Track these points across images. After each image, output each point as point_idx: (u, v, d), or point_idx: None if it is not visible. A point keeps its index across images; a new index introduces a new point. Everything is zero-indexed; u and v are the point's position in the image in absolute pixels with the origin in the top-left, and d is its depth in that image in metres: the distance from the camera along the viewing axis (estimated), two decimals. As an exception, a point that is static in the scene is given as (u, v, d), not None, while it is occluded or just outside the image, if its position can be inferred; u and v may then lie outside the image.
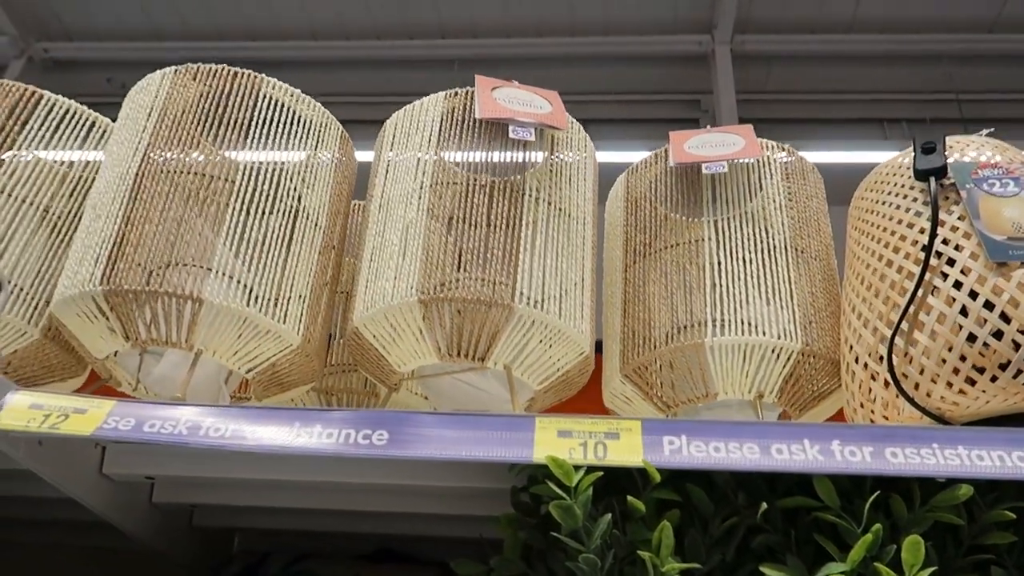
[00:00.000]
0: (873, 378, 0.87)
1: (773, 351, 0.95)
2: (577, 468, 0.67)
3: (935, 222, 0.84)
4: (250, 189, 0.96)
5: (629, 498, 0.70)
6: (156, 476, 1.00)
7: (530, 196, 0.99)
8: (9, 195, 1.03)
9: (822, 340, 0.98)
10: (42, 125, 1.09)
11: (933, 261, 0.83)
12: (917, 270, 0.84)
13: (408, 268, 0.92)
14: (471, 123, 1.02)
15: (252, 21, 3.96)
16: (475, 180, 0.99)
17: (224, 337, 0.91)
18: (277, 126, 1.02)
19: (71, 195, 1.09)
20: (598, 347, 1.04)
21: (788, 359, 0.96)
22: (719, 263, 1.01)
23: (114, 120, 1.11)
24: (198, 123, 0.99)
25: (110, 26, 4.06)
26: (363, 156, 1.16)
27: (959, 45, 3.85)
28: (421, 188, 0.98)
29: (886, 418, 0.87)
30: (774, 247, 1.02)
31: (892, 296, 0.87)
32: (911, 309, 0.83)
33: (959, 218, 0.85)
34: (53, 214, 1.06)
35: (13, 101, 1.08)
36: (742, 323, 0.96)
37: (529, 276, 0.93)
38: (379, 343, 0.96)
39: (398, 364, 0.98)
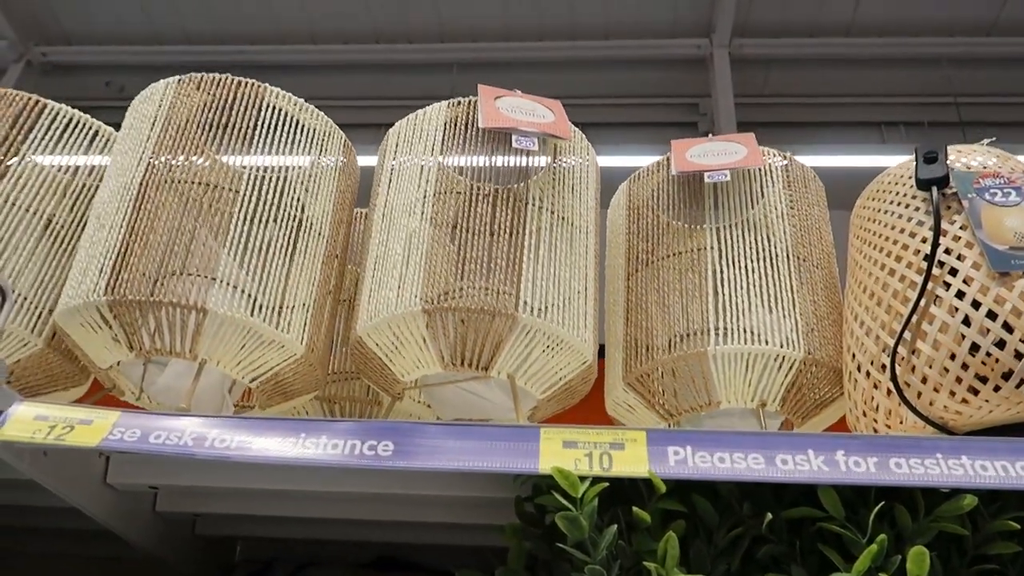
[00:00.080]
0: (876, 387, 0.87)
1: (775, 359, 0.95)
2: (582, 479, 0.67)
3: (937, 232, 0.84)
4: (254, 198, 0.96)
5: (635, 509, 0.70)
6: (160, 486, 1.00)
7: (533, 205, 1.00)
8: (13, 204, 1.03)
9: (824, 348, 0.98)
10: (46, 134, 1.09)
11: (935, 271, 0.84)
12: (919, 279, 0.84)
13: (411, 277, 0.93)
14: (474, 132, 1.03)
15: (252, 25, 3.97)
16: (478, 189, 0.99)
17: (228, 347, 0.91)
18: (281, 135, 1.03)
19: (74, 204, 1.09)
20: (600, 352, 1.05)
21: (790, 368, 0.96)
22: (721, 271, 1.01)
23: (113, 124, 1.11)
24: (202, 132, 0.99)
25: (109, 30, 4.06)
26: (363, 160, 1.16)
27: (957, 48, 3.87)
28: (424, 197, 0.99)
29: (888, 427, 0.87)
30: (776, 255, 1.03)
31: (894, 305, 0.87)
32: (914, 318, 0.83)
33: (961, 228, 0.85)
34: (56, 223, 1.07)
35: (17, 110, 1.08)
36: (744, 331, 0.96)
37: (532, 285, 0.93)
38: (383, 352, 0.96)
39: (402, 373, 0.98)
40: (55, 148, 1.09)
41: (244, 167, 0.98)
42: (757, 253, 1.03)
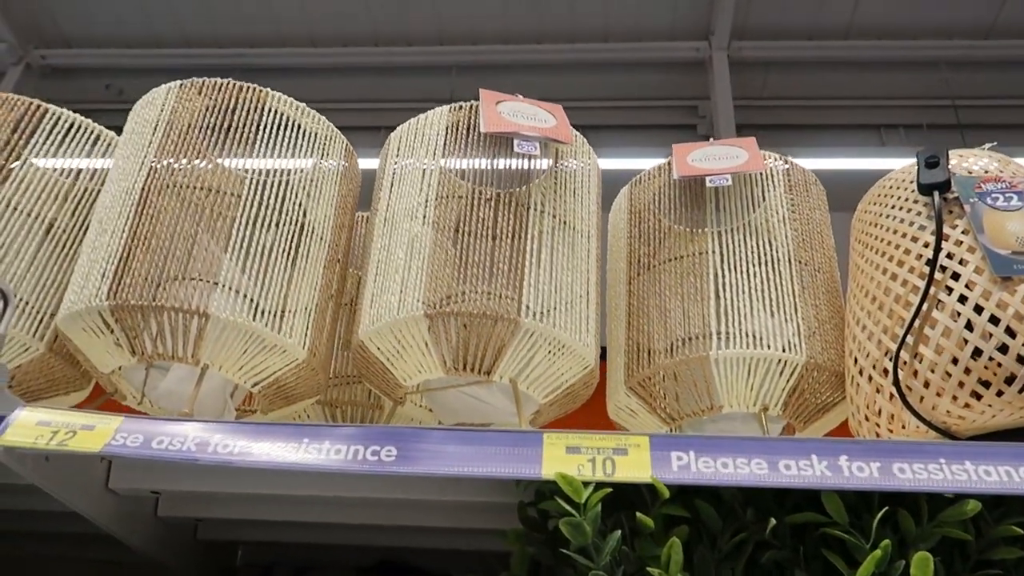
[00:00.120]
0: (878, 391, 0.87)
1: (777, 364, 0.96)
2: (586, 484, 0.67)
3: (939, 236, 0.84)
4: (256, 203, 0.96)
5: (638, 514, 0.70)
6: (161, 491, 1.00)
7: (535, 209, 1.00)
8: (15, 208, 1.03)
9: (826, 353, 0.98)
10: (47, 139, 1.09)
11: (938, 275, 0.84)
12: (922, 284, 0.84)
13: (413, 282, 0.93)
14: (475, 136, 1.03)
15: (251, 27, 3.97)
16: (480, 193, 0.99)
17: (230, 352, 0.91)
18: (282, 139, 1.03)
19: (76, 209, 1.09)
20: (602, 355, 1.04)
21: (792, 372, 0.96)
22: (723, 275, 1.01)
23: (112, 127, 1.11)
24: (204, 137, 0.99)
25: (109, 33, 4.05)
26: (363, 163, 1.16)
27: (956, 51, 3.87)
28: (426, 201, 0.99)
29: (891, 431, 0.87)
30: (778, 259, 1.03)
31: (897, 309, 0.87)
32: (916, 323, 0.83)
33: (963, 232, 0.85)
34: (58, 228, 1.06)
35: (19, 115, 1.08)
36: (746, 336, 0.96)
37: (534, 289, 0.93)
38: (385, 357, 0.96)
39: (404, 378, 0.98)
40: (57, 152, 1.09)
41: (246, 171, 0.98)
42: (759, 257, 1.03)
